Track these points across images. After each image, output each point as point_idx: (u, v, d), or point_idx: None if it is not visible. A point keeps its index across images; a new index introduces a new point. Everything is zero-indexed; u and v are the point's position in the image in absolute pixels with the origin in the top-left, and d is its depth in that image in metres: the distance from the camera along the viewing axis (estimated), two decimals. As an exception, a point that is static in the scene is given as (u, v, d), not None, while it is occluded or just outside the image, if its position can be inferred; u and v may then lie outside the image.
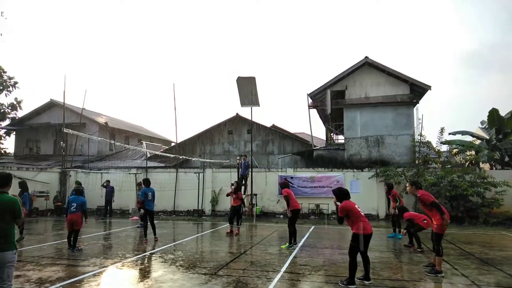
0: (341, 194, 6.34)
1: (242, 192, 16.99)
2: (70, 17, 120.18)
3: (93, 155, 26.98)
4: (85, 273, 6.70)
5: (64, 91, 18.96)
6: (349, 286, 5.85)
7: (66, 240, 9.27)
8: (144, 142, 23.93)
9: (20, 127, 29.78)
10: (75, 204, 9.19)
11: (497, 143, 18.61)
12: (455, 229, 13.24)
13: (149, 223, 10.70)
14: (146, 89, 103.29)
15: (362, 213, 6.17)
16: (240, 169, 17.26)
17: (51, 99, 29.28)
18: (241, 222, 12.82)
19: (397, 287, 6.01)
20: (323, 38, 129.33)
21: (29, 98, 53.16)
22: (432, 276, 6.57)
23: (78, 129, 21.12)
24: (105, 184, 17.80)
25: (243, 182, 17.12)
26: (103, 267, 7.26)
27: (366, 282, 6.07)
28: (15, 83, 29.64)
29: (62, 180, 19.84)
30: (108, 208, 17.56)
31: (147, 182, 11.24)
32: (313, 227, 13.91)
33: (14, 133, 30.61)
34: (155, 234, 10.70)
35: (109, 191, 17.63)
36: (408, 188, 7.30)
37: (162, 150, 25.04)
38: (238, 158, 18.02)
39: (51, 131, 28.97)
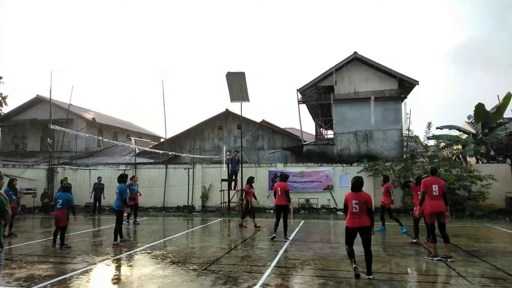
0: (352, 184, 6.43)
1: (232, 188, 17.09)
2: (55, 11, 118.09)
3: (81, 151, 26.67)
4: (74, 271, 6.64)
5: (50, 87, 18.68)
6: (355, 265, 6.15)
7: (53, 239, 9.13)
8: (132, 138, 23.80)
9: (6, 123, 29.24)
10: (60, 201, 9.06)
11: (483, 137, 18.92)
12: (442, 222, 13.44)
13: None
14: (135, 84, 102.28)
15: (355, 209, 6.28)
16: (230, 165, 17.23)
17: (37, 94, 28.82)
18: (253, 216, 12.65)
19: (385, 280, 6.09)
20: (313, 33, 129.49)
21: (15, 94, 52.24)
22: (429, 259, 7.32)
23: (65, 125, 20.82)
24: (97, 181, 17.69)
25: (233, 178, 17.11)
26: (92, 264, 7.21)
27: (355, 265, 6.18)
28: (0, 78, 29.02)
29: (49, 177, 19.57)
30: (97, 204, 17.42)
31: (123, 178, 10.22)
32: (302, 221, 14.00)
33: (0, 129, 30.06)
34: (121, 236, 9.65)
35: (99, 188, 17.48)
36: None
37: (151, 146, 24.92)
38: (228, 153, 18.00)
39: (38, 127, 28.53)
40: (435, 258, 7.26)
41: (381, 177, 16.65)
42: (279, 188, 9.88)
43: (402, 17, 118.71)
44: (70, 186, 9.61)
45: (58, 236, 8.97)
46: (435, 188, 7.43)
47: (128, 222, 13.23)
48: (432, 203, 7.43)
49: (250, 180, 12.75)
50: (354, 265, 6.12)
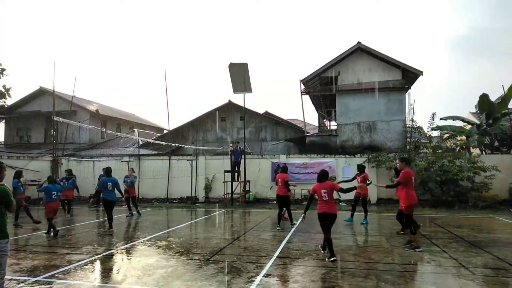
0: (319, 176, 7.33)
1: (235, 179, 17.14)
2: (59, 3, 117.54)
3: (85, 143, 26.76)
4: (79, 261, 6.72)
5: (53, 79, 18.68)
6: (331, 259, 6.60)
7: (52, 228, 9.44)
8: (136, 130, 23.81)
9: (10, 115, 29.35)
10: (55, 192, 9.61)
11: (487, 128, 18.81)
12: (446, 213, 13.46)
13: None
14: (138, 76, 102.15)
15: (324, 198, 6.89)
16: (233, 156, 17.27)
17: (40, 86, 28.85)
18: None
19: (388, 270, 6.12)
20: (316, 24, 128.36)
21: (19, 86, 52.34)
22: (411, 251, 7.27)
23: (68, 117, 20.85)
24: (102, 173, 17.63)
25: (236, 169, 17.15)
26: (96, 254, 7.28)
27: (331, 258, 6.63)
28: (3, 70, 29.05)
29: (53, 168, 19.69)
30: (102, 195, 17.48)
31: (107, 172, 10.65)
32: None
33: (4, 121, 30.19)
34: (110, 227, 9.90)
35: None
36: (398, 164, 7.99)
37: (154, 138, 24.92)
38: (231, 145, 18.01)
39: (42, 119, 28.65)
40: (417, 250, 7.30)
41: (382, 168, 16.75)
42: (279, 179, 10.49)
43: (405, 7, 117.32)
44: (75, 177, 10.00)
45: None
46: (413, 180, 7.64)
47: (130, 213, 13.34)
48: (414, 195, 7.59)
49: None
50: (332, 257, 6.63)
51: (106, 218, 10.06)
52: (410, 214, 7.52)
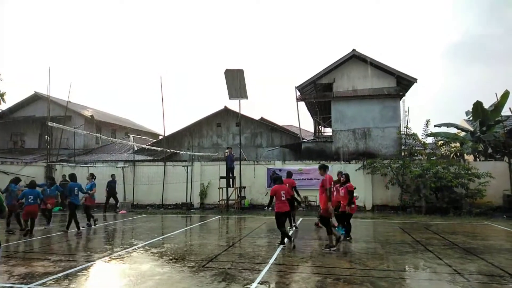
0: (274, 179, 8.62)
1: (230, 185, 17.11)
2: (54, 8, 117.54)
3: (79, 148, 26.62)
4: (73, 268, 6.64)
5: (48, 84, 18.68)
6: (281, 245, 8.32)
7: (23, 228, 10.47)
8: (131, 135, 23.73)
9: (4, 120, 29.13)
10: (32, 196, 10.23)
11: (481, 135, 18.95)
12: (440, 220, 13.51)
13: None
14: (133, 81, 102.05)
15: (283, 198, 8.19)
16: (227, 162, 17.26)
17: (35, 91, 28.72)
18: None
19: (383, 277, 6.12)
20: (311, 31, 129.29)
21: (13, 91, 52.10)
22: (327, 250, 7.93)
23: (63, 122, 20.76)
24: (110, 178, 17.44)
25: (231, 175, 17.12)
26: (90, 261, 7.21)
27: (281, 245, 8.34)
28: (-2, 75, 28.88)
29: (47, 174, 19.55)
30: (111, 201, 17.13)
31: (72, 177, 11.61)
32: (301, 219, 14.03)
33: (-2, 126, 29.93)
34: (68, 228, 10.74)
35: (113, 186, 17.22)
36: (319, 171, 8.69)
37: (149, 143, 24.87)
38: (226, 151, 18.02)
39: (36, 124, 28.45)
40: (332, 249, 7.94)
41: (377, 174, 16.80)
42: (287, 184, 10.47)
43: (400, 15, 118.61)
44: (68, 182, 10.35)
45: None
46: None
47: (88, 224, 11.99)
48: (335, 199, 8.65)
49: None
50: (292, 242, 8.13)
51: (70, 221, 10.80)
52: (328, 217, 8.16)
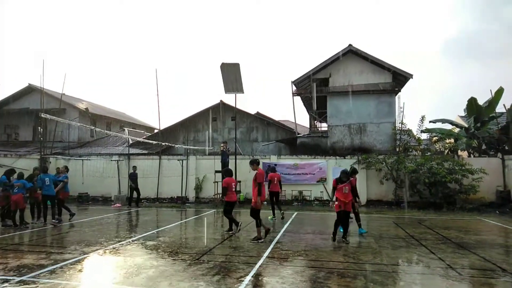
0: (224, 173, 9.54)
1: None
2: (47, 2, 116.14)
3: (74, 141, 26.45)
4: (66, 260, 6.62)
5: (42, 76, 18.45)
6: (230, 232, 9.32)
7: (11, 219, 10.59)
8: (126, 129, 23.60)
9: (-3, 112, 28.85)
10: (16, 187, 10.55)
11: (475, 131, 19.08)
12: (434, 215, 13.61)
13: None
14: (128, 74, 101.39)
15: (233, 189, 9.19)
16: (222, 157, 17.23)
17: (29, 83, 28.41)
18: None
19: (376, 270, 6.16)
20: (309, 26, 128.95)
21: (6, 83, 51.52)
22: (255, 242, 8.25)
23: (57, 114, 20.54)
24: (131, 172, 17.00)
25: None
26: (84, 254, 7.19)
27: (230, 232, 9.31)
28: (-10, 66, 28.54)
29: (41, 166, 19.39)
30: (134, 195, 16.78)
31: (44, 169, 11.93)
32: (296, 213, 14.07)
33: (-9, 118, 29.66)
34: (53, 217, 11.06)
35: (134, 178, 16.72)
36: (251, 166, 8.96)
37: (145, 137, 24.77)
38: (221, 145, 17.99)
39: (30, 117, 28.19)
40: (260, 241, 8.26)
41: (372, 170, 16.88)
42: (275, 178, 11.94)
43: (396, 11, 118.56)
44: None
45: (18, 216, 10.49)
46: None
47: (58, 219, 11.34)
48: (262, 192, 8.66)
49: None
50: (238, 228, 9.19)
51: (38, 212, 11.33)
52: (258, 209, 8.50)
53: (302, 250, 7.64)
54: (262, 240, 8.33)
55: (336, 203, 8.53)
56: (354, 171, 10.01)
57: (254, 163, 8.96)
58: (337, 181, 8.66)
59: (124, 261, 6.77)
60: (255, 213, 8.49)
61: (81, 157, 20.08)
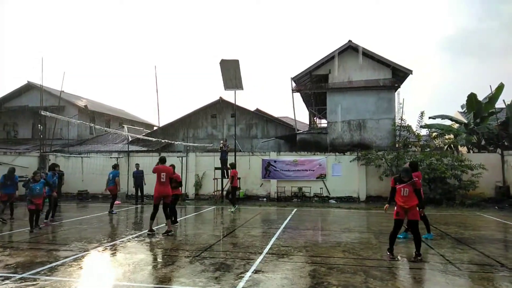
0: (231, 166, 12.01)
1: (225, 176, 17.09)
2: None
3: (73, 139, 26.43)
4: (66, 257, 6.64)
5: (41, 73, 18.41)
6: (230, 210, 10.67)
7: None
8: (125, 126, 23.58)
9: (-4, 110, 28.80)
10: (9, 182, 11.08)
11: (475, 127, 19.07)
12: (433, 211, 13.63)
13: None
14: (127, 71, 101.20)
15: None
16: (221, 154, 17.23)
17: (28, 81, 28.34)
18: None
19: (376, 266, 6.18)
20: (308, 21, 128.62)
21: (6, 80, 51.40)
22: (165, 235, 8.71)
23: (57, 112, 20.50)
24: (134, 169, 16.89)
25: (224, 166, 17.09)
26: (84, 251, 7.21)
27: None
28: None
29: (41, 164, 19.40)
30: (139, 193, 16.70)
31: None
32: (295, 209, 14.10)
33: (-10, 116, 29.60)
34: (52, 216, 11.13)
35: (139, 176, 16.69)
36: (158, 163, 9.52)
37: (144, 134, 24.76)
38: (221, 142, 17.98)
39: (29, 114, 28.16)
40: (169, 233, 8.76)
41: (371, 166, 16.89)
42: (235, 175, 13.80)
43: (396, 7, 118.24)
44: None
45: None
46: (163, 175, 9.14)
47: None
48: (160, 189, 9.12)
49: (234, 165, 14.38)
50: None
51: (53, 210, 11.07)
52: (172, 205, 9.58)
53: (302, 246, 7.66)
54: (172, 232, 8.91)
55: (395, 208, 6.79)
56: (414, 167, 7.84)
57: (160, 161, 9.64)
58: (395, 181, 6.74)
59: (124, 258, 6.78)
60: (167, 207, 9.38)
61: (80, 155, 20.08)
